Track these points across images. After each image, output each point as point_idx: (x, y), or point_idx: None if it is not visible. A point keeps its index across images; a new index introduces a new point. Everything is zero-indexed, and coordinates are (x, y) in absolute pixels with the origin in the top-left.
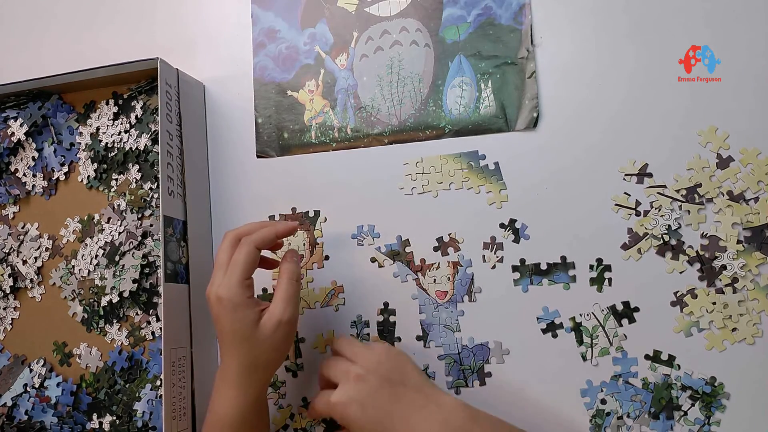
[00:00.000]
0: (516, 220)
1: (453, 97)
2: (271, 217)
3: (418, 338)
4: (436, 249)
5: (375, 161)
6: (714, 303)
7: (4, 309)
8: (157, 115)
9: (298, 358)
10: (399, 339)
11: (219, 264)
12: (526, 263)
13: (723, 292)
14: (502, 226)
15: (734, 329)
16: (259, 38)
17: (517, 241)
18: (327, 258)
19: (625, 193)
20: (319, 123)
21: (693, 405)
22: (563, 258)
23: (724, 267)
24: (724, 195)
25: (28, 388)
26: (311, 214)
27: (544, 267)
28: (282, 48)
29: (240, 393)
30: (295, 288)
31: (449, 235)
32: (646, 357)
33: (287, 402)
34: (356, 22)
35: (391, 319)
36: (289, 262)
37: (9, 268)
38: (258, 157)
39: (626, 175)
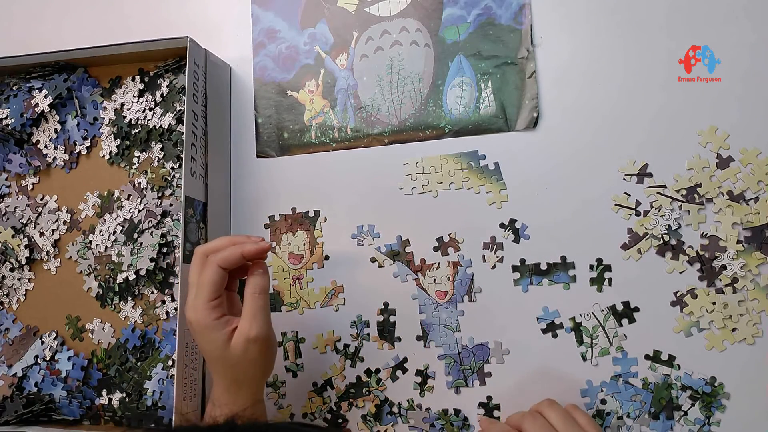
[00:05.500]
0: (516, 220)
1: (453, 97)
2: (271, 218)
3: (418, 338)
4: (436, 249)
5: (375, 161)
6: (714, 303)
7: (19, 280)
8: (183, 95)
9: (298, 358)
10: (399, 339)
11: (190, 283)
12: (526, 263)
13: (723, 292)
14: (502, 226)
15: (734, 329)
16: (259, 38)
17: (517, 241)
18: (327, 258)
19: (625, 193)
20: (319, 123)
21: (693, 405)
22: (563, 258)
23: (724, 267)
24: (724, 195)
25: (39, 360)
26: (311, 214)
27: (544, 267)
28: (282, 48)
29: (227, 409)
30: (260, 301)
31: (449, 235)
32: (646, 357)
33: (287, 402)
34: (356, 22)
35: (391, 319)
36: (254, 276)
37: (26, 239)
38: (258, 157)
39: (626, 175)
